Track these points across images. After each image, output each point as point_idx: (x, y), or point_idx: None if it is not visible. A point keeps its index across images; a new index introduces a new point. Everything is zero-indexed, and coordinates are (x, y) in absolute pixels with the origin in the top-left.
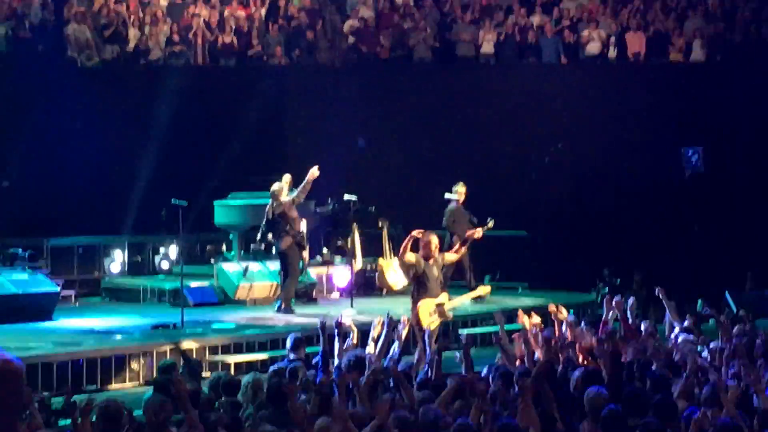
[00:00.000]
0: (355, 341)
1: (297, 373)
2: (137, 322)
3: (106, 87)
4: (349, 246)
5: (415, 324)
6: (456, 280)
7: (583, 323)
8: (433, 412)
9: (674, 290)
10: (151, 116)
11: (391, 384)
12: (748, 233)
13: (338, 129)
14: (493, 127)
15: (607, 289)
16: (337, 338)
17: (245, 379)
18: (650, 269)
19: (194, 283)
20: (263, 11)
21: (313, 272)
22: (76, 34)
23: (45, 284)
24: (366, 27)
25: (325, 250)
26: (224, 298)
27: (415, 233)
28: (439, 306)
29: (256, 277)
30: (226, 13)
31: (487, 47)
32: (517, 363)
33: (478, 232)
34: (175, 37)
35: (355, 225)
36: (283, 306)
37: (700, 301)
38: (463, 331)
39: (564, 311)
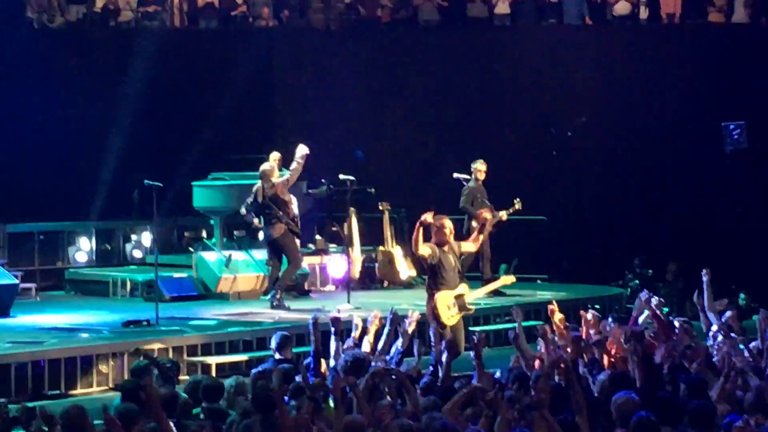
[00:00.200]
0: (356, 339)
1: (286, 376)
2: (106, 318)
3: (71, 52)
4: (345, 233)
5: (433, 320)
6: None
7: (610, 320)
8: (440, 421)
9: (714, 282)
10: (122, 86)
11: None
12: None
13: (333, 100)
14: (508, 98)
15: (637, 281)
16: (333, 336)
17: (227, 382)
18: (687, 258)
19: (176, 275)
20: None
21: (305, 262)
22: None
23: (1, 276)
24: None
25: (318, 238)
26: (204, 292)
27: (425, 219)
28: (459, 298)
29: (241, 268)
30: None
31: (502, 7)
32: (537, 365)
33: (503, 215)
34: None
35: (352, 209)
36: (277, 297)
37: (742, 294)
38: (475, 329)
39: (556, 313)
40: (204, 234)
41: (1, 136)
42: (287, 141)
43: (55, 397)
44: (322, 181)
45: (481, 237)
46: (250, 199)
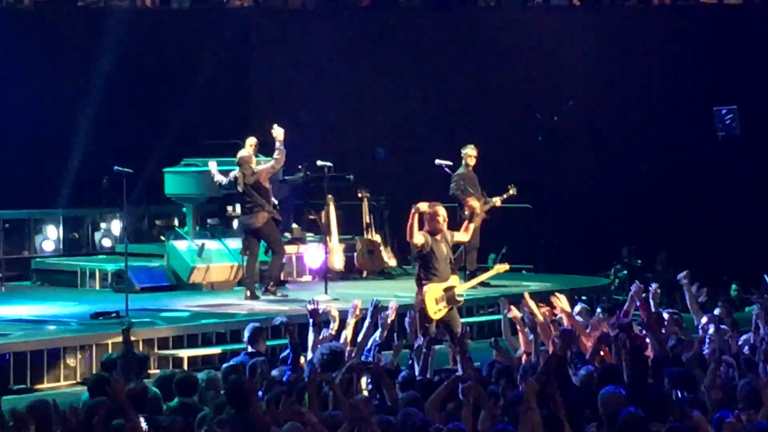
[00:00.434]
0: (334, 331)
1: (258, 370)
2: (74, 309)
3: (36, 33)
4: (323, 221)
5: (419, 312)
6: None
7: (599, 310)
8: (417, 417)
9: (704, 273)
10: (90, 68)
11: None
12: None
13: (310, 83)
14: (492, 82)
15: (626, 271)
16: (311, 328)
17: (199, 377)
18: (677, 248)
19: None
20: None
21: None
22: None
23: None
24: None
25: (294, 226)
26: (176, 282)
27: (421, 207)
28: (449, 291)
29: (214, 258)
30: None
31: None
32: (524, 358)
33: (497, 201)
34: None
35: (330, 196)
36: (271, 285)
37: (734, 286)
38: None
39: (562, 301)
40: (176, 222)
41: None
42: (262, 125)
43: (20, 391)
44: (299, 167)
45: (472, 226)
46: (225, 182)
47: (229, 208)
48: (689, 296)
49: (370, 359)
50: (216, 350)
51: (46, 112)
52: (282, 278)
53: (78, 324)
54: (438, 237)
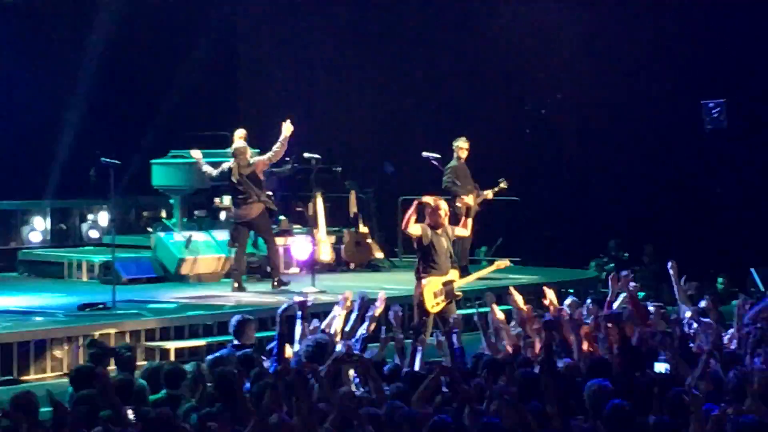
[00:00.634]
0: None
1: (247, 362)
2: (61, 301)
3: (23, 22)
4: (310, 213)
5: (417, 306)
6: None
7: (588, 301)
8: (403, 411)
9: (691, 266)
10: (77, 59)
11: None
12: None
13: (298, 71)
14: (481, 73)
15: (613, 264)
16: (299, 321)
17: (186, 368)
18: (664, 240)
19: (140, 257)
20: None
21: None
22: None
23: None
24: None
25: (282, 218)
26: (163, 274)
27: (424, 199)
28: (447, 284)
29: (201, 249)
30: None
31: None
32: (510, 351)
33: (488, 193)
34: None
35: (317, 189)
36: (276, 282)
37: (720, 279)
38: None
39: (549, 295)
40: (163, 214)
41: None
42: (250, 115)
43: (7, 383)
44: (286, 159)
45: (470, 222)
46: (215, 173)
47: (217, 200)
48: (677, 286)
49: (357, 351)
50: (203, 342)
51: (34, 102)
52: (268, 271)
53: (65, 315)
54: (439, 231)
